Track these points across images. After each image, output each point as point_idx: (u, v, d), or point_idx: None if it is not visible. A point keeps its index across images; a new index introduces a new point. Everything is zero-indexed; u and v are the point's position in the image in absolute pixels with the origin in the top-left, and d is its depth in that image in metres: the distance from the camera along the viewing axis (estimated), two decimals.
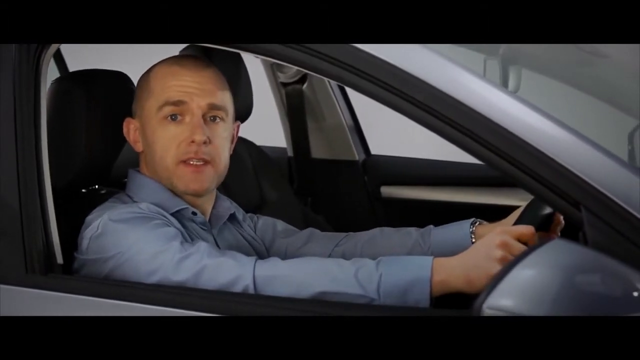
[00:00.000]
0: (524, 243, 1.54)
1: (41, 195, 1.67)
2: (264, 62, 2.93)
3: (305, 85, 2.92)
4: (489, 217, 1.98)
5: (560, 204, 1.38)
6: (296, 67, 2.79)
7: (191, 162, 1.81)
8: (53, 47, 1.70)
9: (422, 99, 1.46)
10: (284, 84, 2.95)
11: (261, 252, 2.01)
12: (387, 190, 2.93)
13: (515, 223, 1.68)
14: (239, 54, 2.33)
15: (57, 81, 1.90)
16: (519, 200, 2.71)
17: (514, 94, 1.45)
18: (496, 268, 1.50)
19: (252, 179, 2.67)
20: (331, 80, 2.88)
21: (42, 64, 1.69)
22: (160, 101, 1.82)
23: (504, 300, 1.24)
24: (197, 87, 1.82)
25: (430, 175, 2.92)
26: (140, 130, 1.87)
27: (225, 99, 1.87)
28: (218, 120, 1.85)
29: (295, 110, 2.96)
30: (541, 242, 1.30)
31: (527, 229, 1.56)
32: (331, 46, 1.54)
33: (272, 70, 2.94)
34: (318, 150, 2.99)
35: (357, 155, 2.97)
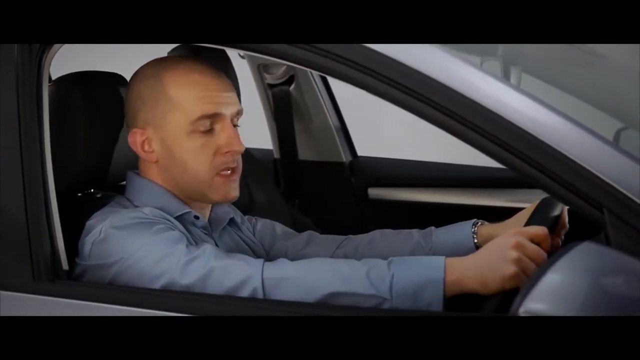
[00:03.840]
0: (537, 244, 1.53)
1: (46, 201, 1.64)
2: (251, 63, 2.90)
3: (292, 87, 2.90)
4: (477, 218, 1.97)
5: (583, 206, 1.37)
6: (283, 69, 2.85)
7: (223, 172, 1.79)
8: (55, 48, 1.67)
9: (439, 101, 1.45)
10: (271, 85, 2.92)
11: (261, 255, 1.99)
12: (374, 192, 2.92)
13: (526, 224, 1.67)
14: (226, 54, 2.30)
15: (54, 83, 1.86)
16: (507, 201, 2.74)
17: (533, 95, 1.44)
18: (511, 269, 1.50)
19: (241, 182, 2.63)
20: (318, 82, 2.91)
21: (44, 64, 1.66)
22: (193, 115, 1.76)
23: (538, 305, 1.22)
24: (227, 96, 1.80)
25: (418, 177, 2.91)
26: (157, 140, 1.80)
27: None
28: (237, 126, 1.83)
29: (282, 111, 2.93)
30: (571, 246, 1.29)
31: (541, 230, 1.56)
32: (341, 46, 1.52)
33: (259, 72, 2.91)
34: (305, 151, 2.97)
35: (344, 157, 2.96)
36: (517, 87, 1.47)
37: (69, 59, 2.03)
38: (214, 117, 1.77)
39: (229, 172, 1.80)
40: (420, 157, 2.99)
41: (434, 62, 1.49)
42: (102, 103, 1.89)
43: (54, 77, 1.93)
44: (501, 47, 2.14)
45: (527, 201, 2.65)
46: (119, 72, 2.01)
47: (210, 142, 1.77)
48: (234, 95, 1.82)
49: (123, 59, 2.47)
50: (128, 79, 2.00)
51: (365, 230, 2.10)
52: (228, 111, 1.78)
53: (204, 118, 1.76)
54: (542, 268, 1.27)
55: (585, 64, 2.33)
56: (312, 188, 2.99)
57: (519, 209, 1.95)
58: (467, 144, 1.45)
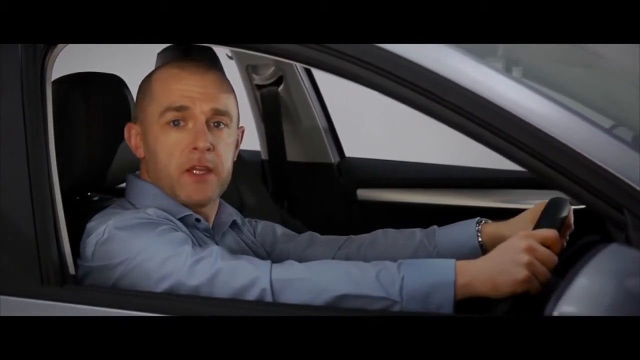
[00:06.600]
0: (547, 247, 1.53)
1: (52, 204, 1.61)
2: (239, 64, 2.88)
3: (280, 88, 2.88)
4: (467, 218, 1.97)
5: (603, 207, 1.37)
6: (271, 70, 2.83)
7: (194, 172, 1.76)
8: (59, 48, 1.64)
9: (453, 100, 1.44)
10: (259, 86, 2.89)
11: (262, 257, 1.96)
12: (363, 193, 2.91)
13: (535, 226, 1.66)
14: (215, 54, 2.27)
15: (53, 84, 1.83)
16: (497, 202, 2.75)
17: (550, 95, 1.44)
18: (522, 273, 1.49)
19: (231, 184, 2.61)
20: (306, 83, 2.89)
21: (48, 65, 1.63)
22: (162, 106, 1.76)
23: (570, 308, 1.22)
24: (200, 92, 1.76)
25: (407, 178, 2.91)
26: (142, 135, 1.81)
27: (229, 103, 1.81)
28: (222, 126, 1.79)
29: (271, 112, 2.91)
30: (599, 248, 1.29)
31: (551, 233, 1.55)
32: (352, 46, 1.50)
33: (248, 72, 2.88)
34: (293, 152, 2.95)
35: (332, 158, 2.94)
36: (534, 88, 1.46)
37: (69, 60, 1.99)
38: (181, 110, 1.75)
39: (202, 172, 1.76)
40: (409, 158, 2.98)
41: (446, 61, 1.49)
42: (102, 104, 1.87)
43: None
44: (501, 47, 2.13)
45: (517, 202, 2.70)
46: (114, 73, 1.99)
47: (181, 138, 1.75)
48: (213, 93, 1.78)
49: (121, 59, 2.44)
50: (126, 79, 1.99)
51: (355, 231, 2.09)
52: (196, 106, 1.75)
53: (171, 110, 1.76)
54: (572, 273, 1.27)
55: (583, 63, 2.33)
56: (300, 189, 2.97)
57: (510, 210, 1.95)
58: (483, 145, 1.44)
